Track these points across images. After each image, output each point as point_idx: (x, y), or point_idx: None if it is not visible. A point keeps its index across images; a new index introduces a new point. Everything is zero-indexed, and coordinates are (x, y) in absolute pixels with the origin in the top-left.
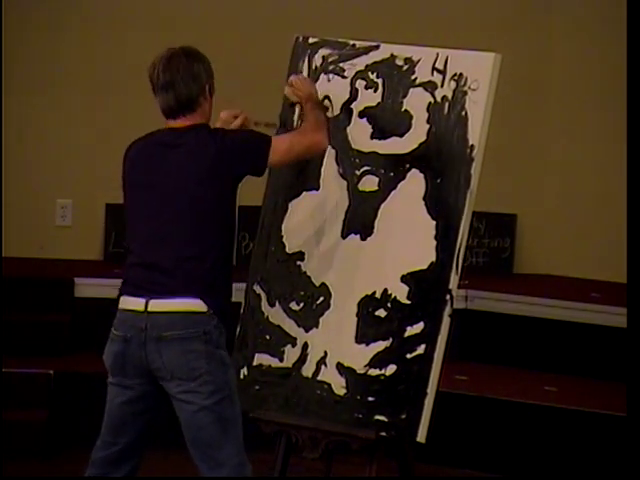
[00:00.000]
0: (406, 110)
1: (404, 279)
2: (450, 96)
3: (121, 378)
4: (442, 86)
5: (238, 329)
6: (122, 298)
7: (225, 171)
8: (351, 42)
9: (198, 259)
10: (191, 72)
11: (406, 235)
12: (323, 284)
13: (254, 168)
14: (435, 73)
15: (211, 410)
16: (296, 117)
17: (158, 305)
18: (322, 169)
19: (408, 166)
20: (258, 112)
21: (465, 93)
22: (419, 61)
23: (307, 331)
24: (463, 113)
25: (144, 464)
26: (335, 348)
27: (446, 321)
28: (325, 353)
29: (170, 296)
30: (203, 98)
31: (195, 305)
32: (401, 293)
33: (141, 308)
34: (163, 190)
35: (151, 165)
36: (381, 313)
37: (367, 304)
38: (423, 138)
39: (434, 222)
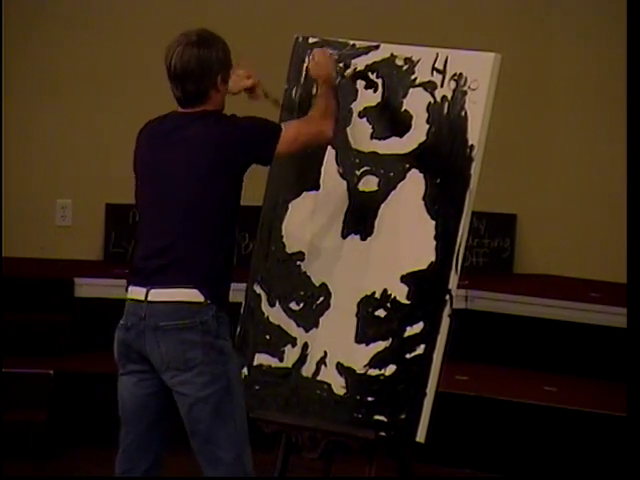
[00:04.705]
0: (406, 110)
1: (404, 279)
2: (450, 96)
3: (125, 363)
4: (442, 86)
5: (238, 329)
6: (129, 288)
7: (231, 160)
8: (351, 42)
9: (198, 250)
10: (202, 66)
11: (406, 235)
12: (323, 284)
13: (261, 157)
14: (435, 73)
15: (206, 402)
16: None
17: (157, 294)
18: (322, 169)
19: (408, 166)
20: (257, 111)
21: (465, 93)
22: (419, 61)
23: (307, 331)
24: (463, 113)
25: None
26: (335, 348)
27: (446, 321)
28: (325, 353)
29: (169, 286)
30: (214, 91)
31: (192, 295)
32: (401, 293)
33: (142, 297)
34: (167, 180)
35: (157, 153)
36: (381, 313)
37: (367, 304)
38: (423, 138)
39: (434, 222)
